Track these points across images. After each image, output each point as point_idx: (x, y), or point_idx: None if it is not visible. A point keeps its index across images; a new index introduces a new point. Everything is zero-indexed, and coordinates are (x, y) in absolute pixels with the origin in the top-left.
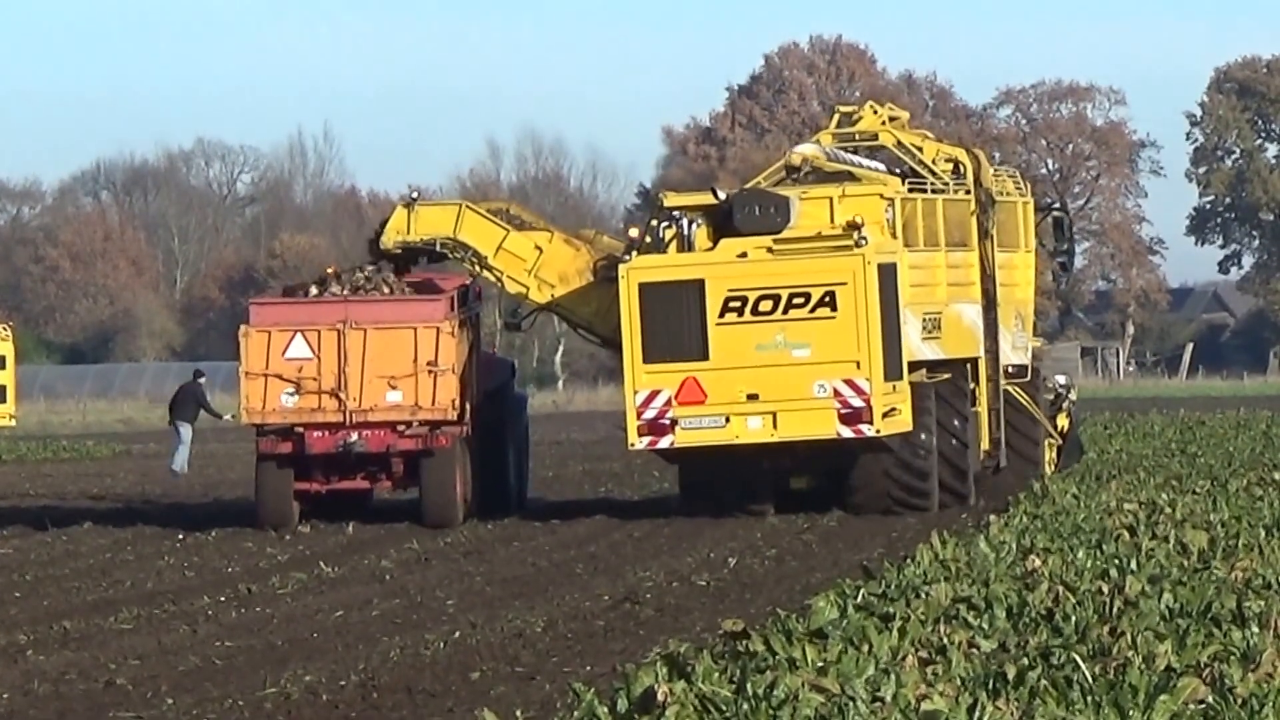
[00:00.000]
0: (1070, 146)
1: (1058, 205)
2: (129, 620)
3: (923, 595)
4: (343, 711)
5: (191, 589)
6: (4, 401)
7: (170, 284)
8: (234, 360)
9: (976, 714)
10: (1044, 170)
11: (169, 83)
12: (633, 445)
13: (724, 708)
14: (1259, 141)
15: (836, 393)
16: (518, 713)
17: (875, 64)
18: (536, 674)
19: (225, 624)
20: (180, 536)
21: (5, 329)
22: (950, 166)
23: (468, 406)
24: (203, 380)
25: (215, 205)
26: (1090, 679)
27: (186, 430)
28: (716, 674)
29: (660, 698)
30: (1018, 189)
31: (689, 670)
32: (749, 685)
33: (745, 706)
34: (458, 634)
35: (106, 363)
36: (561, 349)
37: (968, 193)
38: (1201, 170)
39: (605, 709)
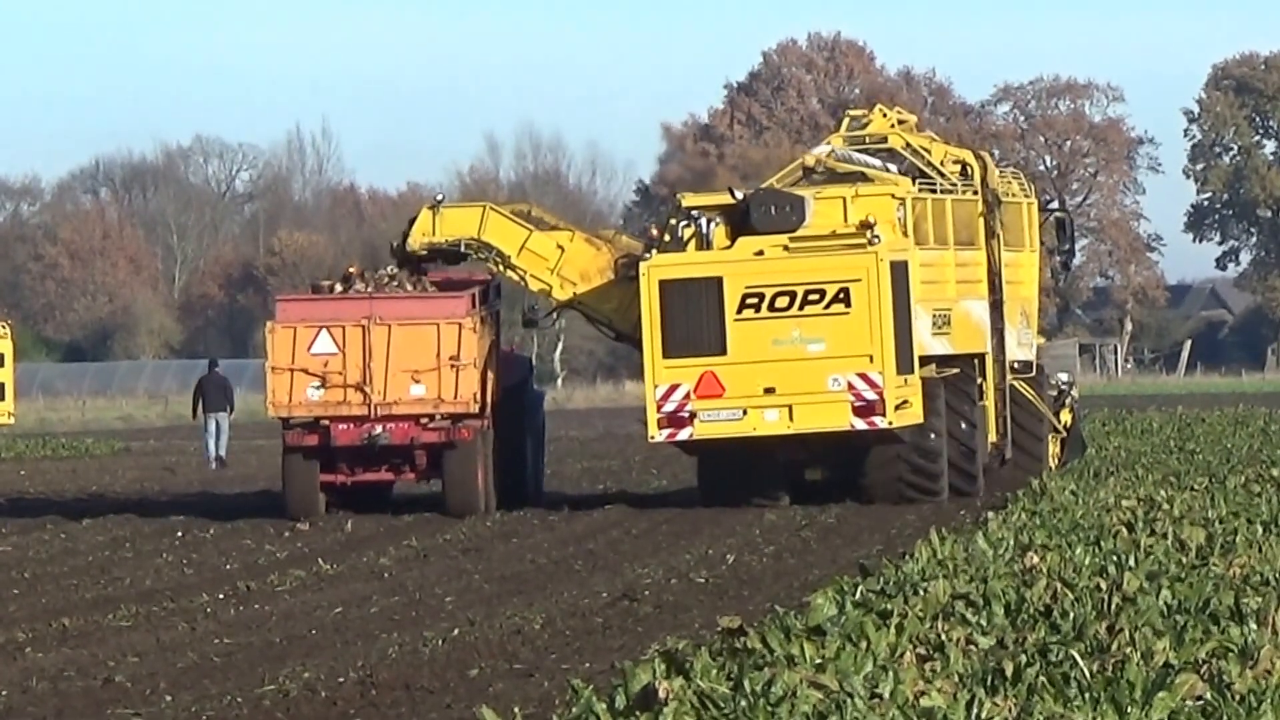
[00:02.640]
0: (1068, 143)
1: (1056, 205)
2: (127, 617)
3: (921, 592)
4: (341, 708)
5: (190, 586)
6: (3, 399)
7: (169, 281)
8: (233, 357)
9: (974, 711)
10: (1042, 167)
11: (167, 80)
12: (653, 438)
13: (722, 705)
14: (1257, 138)
15: (850, 386)
16: (516, 710)
17: (874, 61)
18: (535, 671)
19: (224, 621)
20: (179, 534)
21: (4, 326)
22: (958, 168)
23: (488, 400)
24: (219, 369)
25: (214, 202)
26: (1088, 676)
27: (213, 422)
28: (715, 671)
29: (662, 694)
30: (1023, 190)
31: (687, 667)
32: (747, 682)
33: (743, 703)
34: (456, 631)
35: (105, 360)
36: (560, 347)
37: (975, 193)
38: (1199, 167)
39: (603, 706)
